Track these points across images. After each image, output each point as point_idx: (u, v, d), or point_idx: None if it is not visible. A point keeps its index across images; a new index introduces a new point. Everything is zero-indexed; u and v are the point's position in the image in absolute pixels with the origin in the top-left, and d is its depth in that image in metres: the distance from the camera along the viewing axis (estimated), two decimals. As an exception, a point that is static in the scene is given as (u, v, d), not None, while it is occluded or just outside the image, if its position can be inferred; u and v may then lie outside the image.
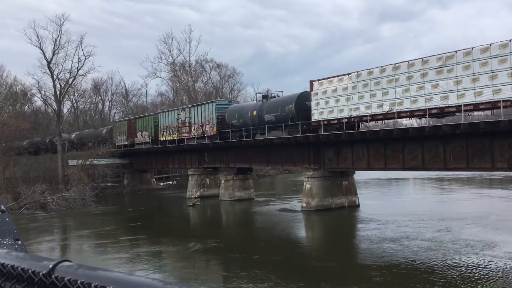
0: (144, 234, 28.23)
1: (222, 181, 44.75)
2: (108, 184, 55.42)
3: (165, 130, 50.99)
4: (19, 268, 1.33)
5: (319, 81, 33.82)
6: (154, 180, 63.76)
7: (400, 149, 29.60)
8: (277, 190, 55.68)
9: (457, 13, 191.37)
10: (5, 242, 2.13)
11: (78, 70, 53.61)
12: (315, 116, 33.42)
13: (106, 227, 31.76)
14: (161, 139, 51.38)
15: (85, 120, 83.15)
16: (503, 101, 23.15)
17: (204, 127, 45.07)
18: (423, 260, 19.44)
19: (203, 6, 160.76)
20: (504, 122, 22.76)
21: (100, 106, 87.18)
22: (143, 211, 40.46)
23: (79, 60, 53.13)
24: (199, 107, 46.36)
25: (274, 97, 39.54)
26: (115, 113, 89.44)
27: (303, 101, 34.92)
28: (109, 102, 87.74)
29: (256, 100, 42.17)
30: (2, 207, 2.31)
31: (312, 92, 33.91)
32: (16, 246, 2.15)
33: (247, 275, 18.35)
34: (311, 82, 34.29)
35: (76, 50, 53.38)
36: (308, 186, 35.06)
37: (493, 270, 17.43)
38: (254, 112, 39.49)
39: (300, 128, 34.45)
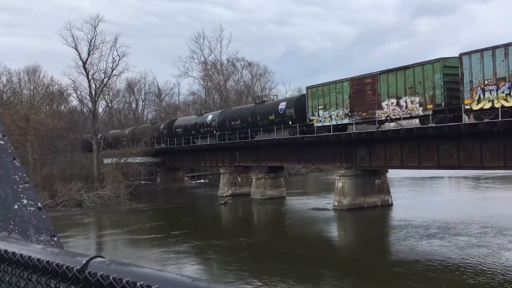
0: (180, 231, 28.49)
1: (254, 180, 44.84)
2: (142, 182, 56.32)
3: (491, 87, 23.71)
4: (53, 263, 1.37)
5: None
6: (187, 178, 64.45)
7: (434, 148, 29.04)
8: (308, 189, 55.42)
9: (497, 7, 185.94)
10: (41, 238, 2.20)
11: (112, 70, 54.76)
12: None
13: (141, 224, 32.32)
14: (484, 107, 24.25)
15: (119, 120, 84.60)
16: None
17: None
18: (473, 256, 19.46)
19: (236, 4, 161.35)
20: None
21: (133, 105, 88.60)
22: (177, 208, 40.95)
23: (114, 61, 54.26)
24: None
25: None
26: (148, 112, 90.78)
27: None
28: (143, 102, 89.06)
29: None
30: (39, 205, 2.38)
31: None
32: (52, 242, 2.21)
33: (297, 270, 18.54)
34: None
35: (111, 50, 54.52)
36: (340, 184, 34.78)
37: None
38: None
39: None
